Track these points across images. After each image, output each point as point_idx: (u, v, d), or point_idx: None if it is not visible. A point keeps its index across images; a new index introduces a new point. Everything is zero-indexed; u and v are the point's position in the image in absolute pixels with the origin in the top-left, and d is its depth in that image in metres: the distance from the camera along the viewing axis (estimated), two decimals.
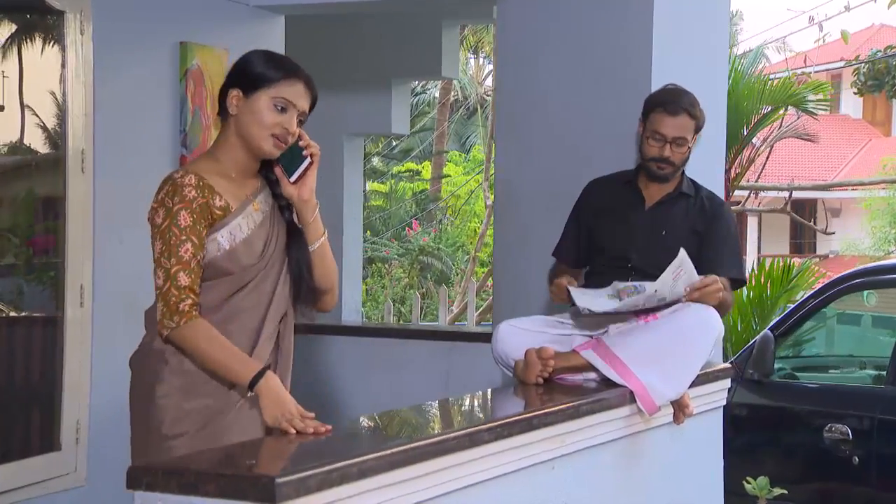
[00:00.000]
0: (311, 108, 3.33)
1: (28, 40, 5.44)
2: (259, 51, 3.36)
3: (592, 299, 4.18)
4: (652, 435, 4.34)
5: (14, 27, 5.33)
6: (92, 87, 5.43)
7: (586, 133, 5.29)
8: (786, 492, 6.05)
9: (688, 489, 4.68)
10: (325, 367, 6.82)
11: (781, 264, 9.52)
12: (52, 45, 5.40)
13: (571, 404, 3.83)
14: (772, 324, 7.24)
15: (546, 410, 3.70)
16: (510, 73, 5.65)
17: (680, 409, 4.25)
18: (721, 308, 4.33)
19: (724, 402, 4.92)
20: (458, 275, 22.18)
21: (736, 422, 7.01)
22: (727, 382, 4.90)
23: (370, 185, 26.40)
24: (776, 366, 6.95)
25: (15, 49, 5.33)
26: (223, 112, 3.31)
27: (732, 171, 11.16)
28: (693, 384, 4.58)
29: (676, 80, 4.65)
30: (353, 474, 2.84)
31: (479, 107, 28.67)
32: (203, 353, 3.11)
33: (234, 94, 3.25)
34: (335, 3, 6.65)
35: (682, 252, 4.20)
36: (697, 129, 4.53)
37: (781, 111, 11.45)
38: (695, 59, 5.24)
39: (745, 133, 10.92)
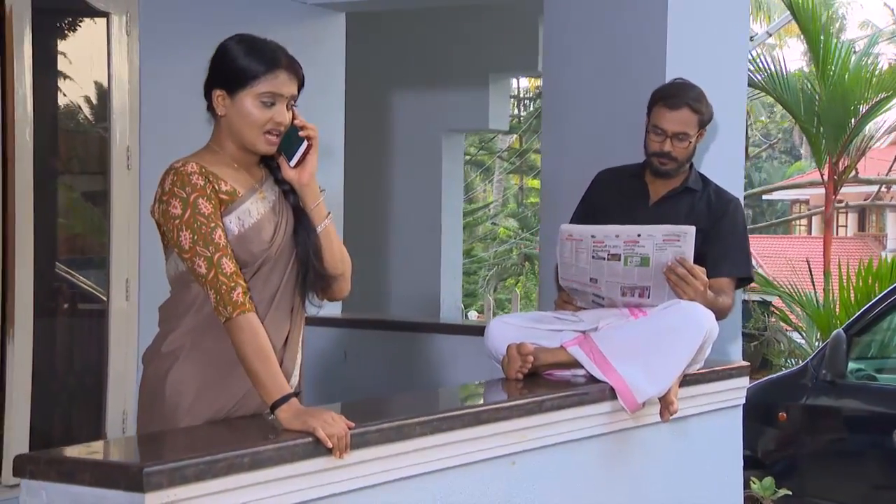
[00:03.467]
0: (301, 86, 3.24)
1: (73, 42, 5.60)
2: (235, 41, 3.23)
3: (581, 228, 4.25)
4: (647, 432, 4.24)
5: (60, 29, 5.49)
6: (138, 85, 5.57)
7: (616, 129, 5.20)
8: (790, 493, 5.83)
9: (698, 490, 4.54)
10: (388, 363, 6.80)
11: (889, 262, 9.18)
12: (98, 47, 5.55)
13: (532, 400, 3.76)
14: (846, 323, 7.00)
15: (498, 406, 3.65)
16: (552, 67, 5.60)
17: (665, 406, 4.14)
18: (718, 311, 4.22)
19: (742, 401, 4.78)
20: None
21: (810, 424, 6.82)
22: (745, 381, 4.76)
23: (528, 182, 26.42)
24: (854, 366, 6.73)
25: (60, 50, 5.50)
26: (212, 110, 3.23)
27: (840, 164, 10.78)
28: (706, 381, 4.51)
29: (692, 74, 4.54)
30: (244, 465, 2.85)
31: None
32: (244, 355, 3.05)
33: (219, 94, 3.18)
34: None
35: (692, 230, 4.12)
36: (703, 124, 4.41)
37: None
38: (711, 54, 5.11)
39: (854, 124, 10.54)
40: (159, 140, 5.67)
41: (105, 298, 5.64)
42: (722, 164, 4.84)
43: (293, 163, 3.22)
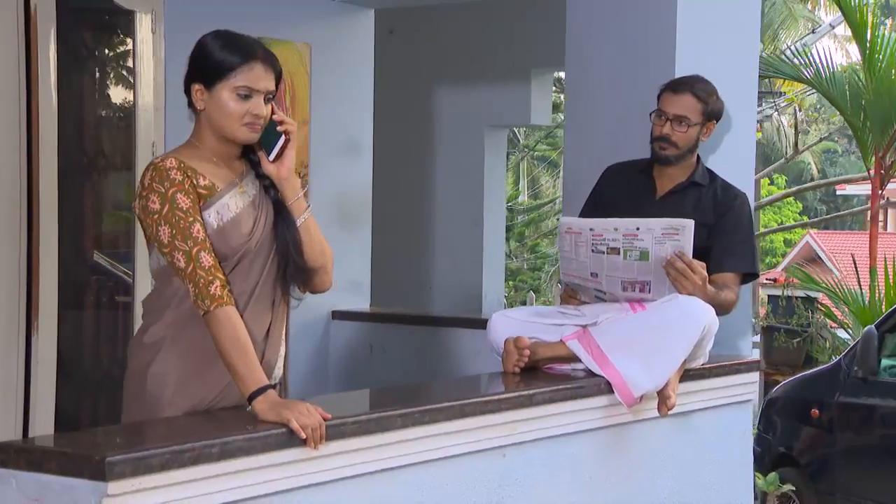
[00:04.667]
0: (278, 81, 3.27)
1: (99, 40, 5.68)
2: (212, 36, 3.30)
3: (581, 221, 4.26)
4: (648, 427, 4.24)
5: (86, 28, 5.57)
6: (163, 82, 5.63)
7: (632, 127, 5.17)
8: (794, 488, 5.77)
9: (703, 485, 4.53)
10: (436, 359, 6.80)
11: None
12: (123, 45, 5.64)
13: (522, 393, 3.78)
14: (878, 320, 6.91)
15: (484, 399, 3.66)
16: (574, 67, 5.59)
17: (662, 400, 4.12)
18: (719, 306, 4.21)
19: (751, 396, 4.75)
20: None
21: (842, 421, 6.75)
22: (754, 376, 4.74)
23: None
24: (888, 363, 6.65)
25: (86, 48, 5.58)
26: (192, 106, 3.29)
27: (888, 159, 10.58)
28: (712, 376, 4.50)
29: (702, 72, 4.55)
30: (213, 455, 2.89)
31: None
32: (221, 348, 3.09)
33: (197, 88, 3.24)
34: None
35: (690, 223, 4.11)
36: (708, 116, 4.41)
37: None
38: (721, 52, 5.09)
39: None
40: (184, 136, 5.71)
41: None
42: (732, 161, 4.84)
43: (271, 157, 3.24)
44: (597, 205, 4.61)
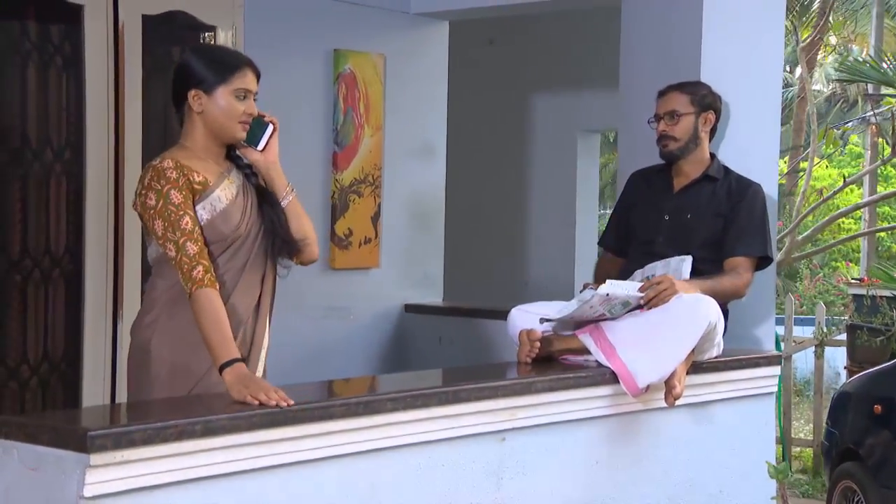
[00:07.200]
0: (258, 81, 3.55)
1: (182, 54, 5.86)
2: (194, 50, 3.67)
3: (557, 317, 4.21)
4: (658, 416, 4.24)
5: (169, 42, 5.76)
6: None
7: None
8: (802, 476, 5.63)
9: (721, 475, 4.50)
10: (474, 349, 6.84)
11: None
12: None
13: (520, 381, 3.85)
14: None
15: (480, 385, 3.71)
16: (626, 74, 5.60)
17: (668, 391, 4.12)
18: (724, 292, 4.27)
19: (773, 389, 4.71)
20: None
21: None
22: (775, 370, 4.70)
23: None
24: None
25: (170, 60, 5.77)
26: (181, 112, 3.54)
27: None
28: (727, 369, 4.49)
29: (727, 78, 4.56)
30: (196, 432, 3.01)
31: (858, 99, 27.51)
32: (200, 324, 3.32)
33: (195, 94, 3.46)
34: (500, 6, 6.68)
35: (636, 276, 4.24)
36: (701, 105, 4.49)
37: None
38: (745, 56, 5.03)
39: None
40: None
41: None
42: (756, 160, 4.82)
43: (261, 147, 3.52)
44: (621, 209, 4.72)
